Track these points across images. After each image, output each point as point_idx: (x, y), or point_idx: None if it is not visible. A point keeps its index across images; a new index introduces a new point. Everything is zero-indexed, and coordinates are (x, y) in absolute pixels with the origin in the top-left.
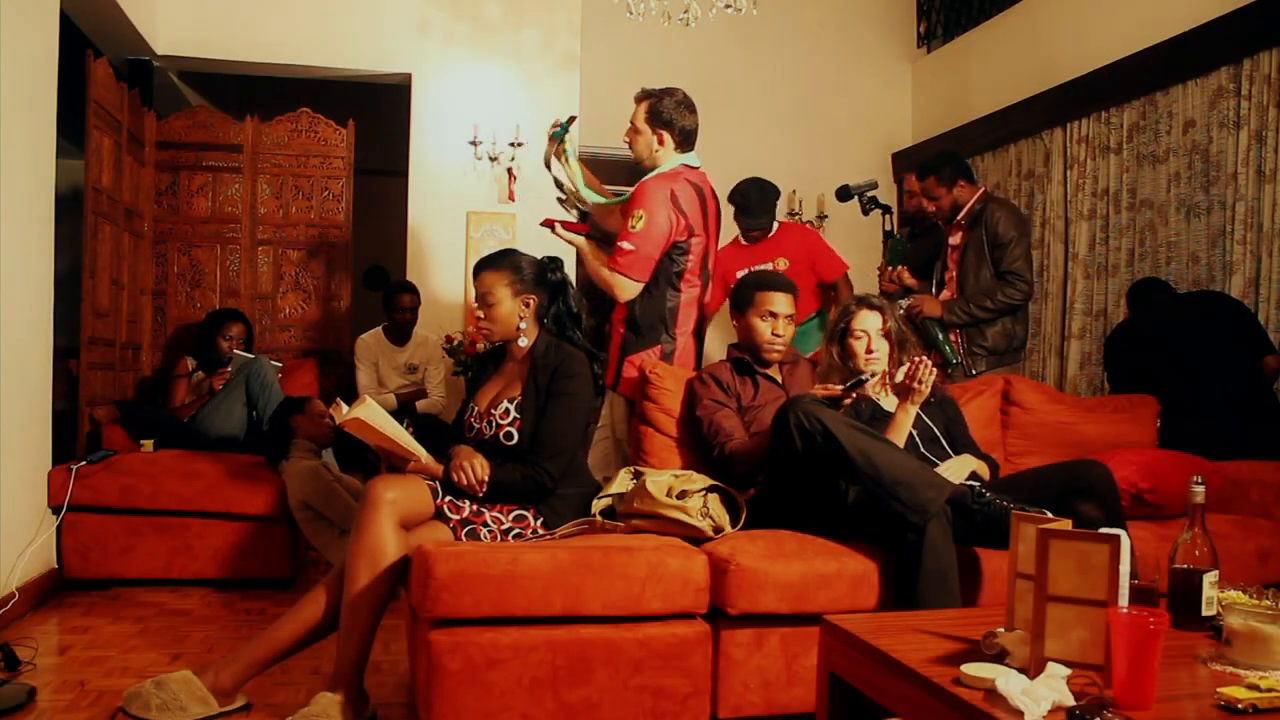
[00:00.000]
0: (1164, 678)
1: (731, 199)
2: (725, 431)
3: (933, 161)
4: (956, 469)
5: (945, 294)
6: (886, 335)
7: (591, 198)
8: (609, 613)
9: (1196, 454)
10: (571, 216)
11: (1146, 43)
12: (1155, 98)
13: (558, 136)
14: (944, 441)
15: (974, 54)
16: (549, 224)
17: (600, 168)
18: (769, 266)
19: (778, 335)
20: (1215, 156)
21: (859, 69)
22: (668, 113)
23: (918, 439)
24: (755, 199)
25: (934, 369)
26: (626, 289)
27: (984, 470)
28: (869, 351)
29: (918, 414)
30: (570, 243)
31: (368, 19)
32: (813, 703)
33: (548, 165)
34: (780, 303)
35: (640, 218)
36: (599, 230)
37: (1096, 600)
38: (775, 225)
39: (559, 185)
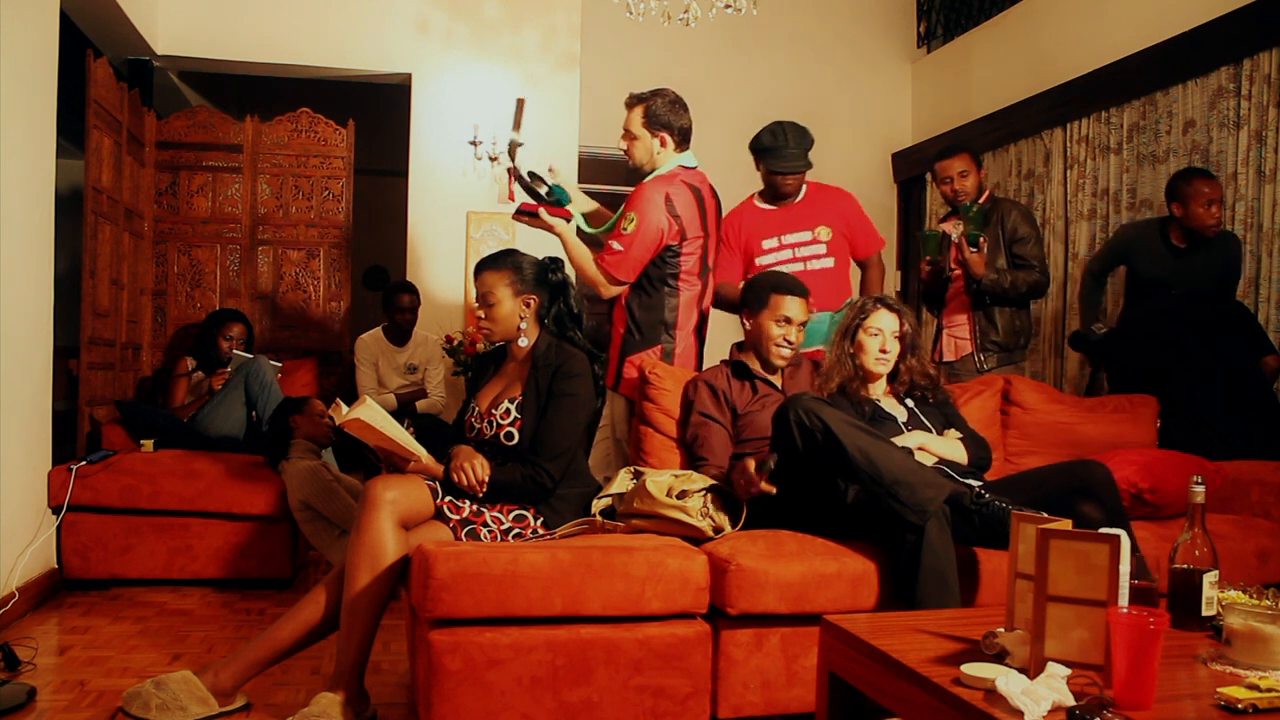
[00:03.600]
0: (1164, 678)
1: (759, 141)
2: (708, 448)
3: (956, 144)
4: (942, 445)
5: (954, 288)
6: (900, 339)
7: (593, 231)
8: (609, 613)
9: (1196, 454)
10: (541, 194)
11: (1146, 43)
12: (1155, 98)
13: (535, 196)
14: None
15: (974, 54)
16: (531, 209)
17: (600, 167)
18: (807, 236)
19: (789, 341)
20: (1215, 156)
21: (859, 69)
22: (664, 114)
23: None
24: (793, 137)
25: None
26: (609, 289)
27: (962, 455)
28: (882, 351)
29: (917, 414)
30: (550, 227)
31: (368, 19)
32: (813, 703)
33: (512, 154)
34: (796, 308)
35: (632, 220)
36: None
37: (1096, 600)
38: (804, 186)
39: (519, 177)
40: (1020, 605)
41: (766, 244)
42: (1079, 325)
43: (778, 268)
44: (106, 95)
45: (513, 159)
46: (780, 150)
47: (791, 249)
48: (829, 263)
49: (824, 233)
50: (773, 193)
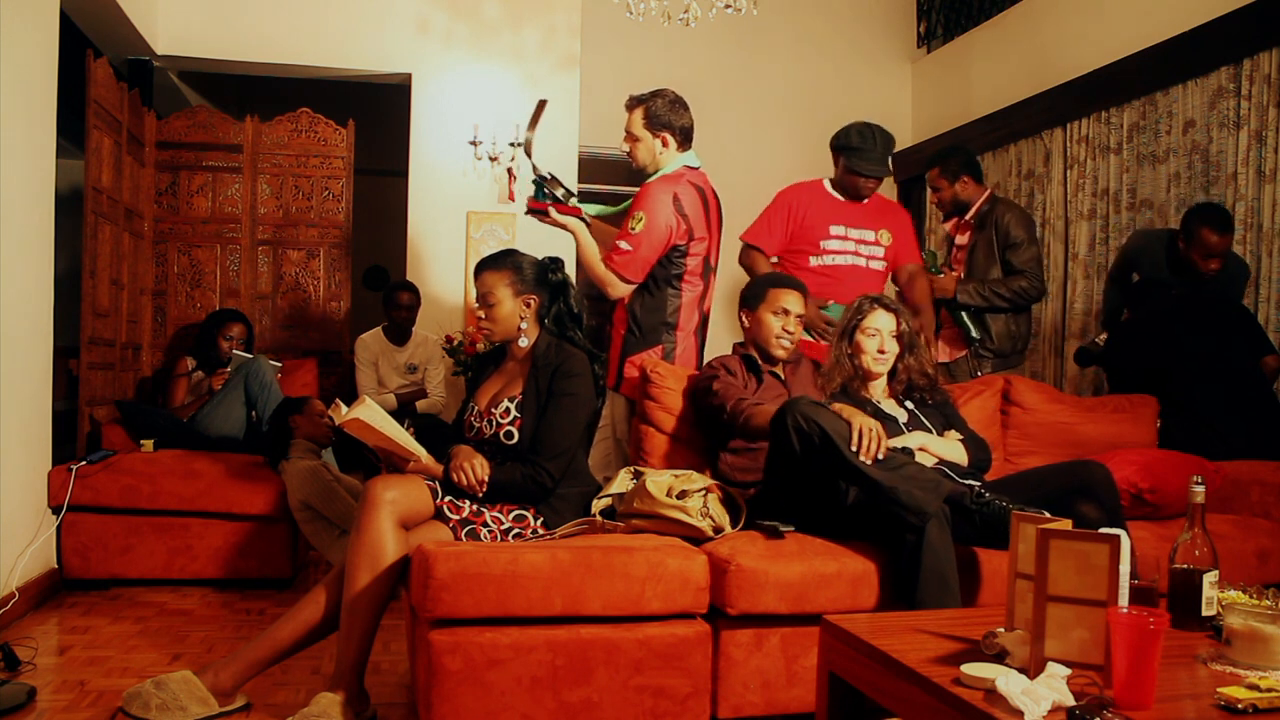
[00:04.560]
0: (1164, 678)
1: (847, 138)
2: (749, 401)
3: (941, 153)
4: (943, 446)
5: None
6: (898, 338)
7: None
8: (609, 613)
9: (1196, 454)
10: (556, 195)
11: (1146, 43)
12: (1155, 98)
13: (542, 196)
14: None
15: (974, 54)
16: (541, 208)
17: (600, 167)
18: (871, 235)
19: (788, 331)
20: (1215, 156)
21: (859, 69)
22: (664, 115)
23: None
24: (881, 142)
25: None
26: (618, 288)
27: (962, 457)
28: (880, 352)
29: (917, 415)
30: (564, 226)
31: (368, 19)
32: (813, 703)
33: (528, 153)
34: (793, 301)
35: (640, 220)
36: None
37: (1096, 600)
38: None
39: (539, 177)
40: (1020, 605)
41: (834, 229)
42: (1097, 327)
43: (837, 259)
44: (106, 95)
45: (529, 156)
46: (867, 153)
47: (855, 243)
48: (881, 266)
49: (885, 236)
50: (848, 191)
